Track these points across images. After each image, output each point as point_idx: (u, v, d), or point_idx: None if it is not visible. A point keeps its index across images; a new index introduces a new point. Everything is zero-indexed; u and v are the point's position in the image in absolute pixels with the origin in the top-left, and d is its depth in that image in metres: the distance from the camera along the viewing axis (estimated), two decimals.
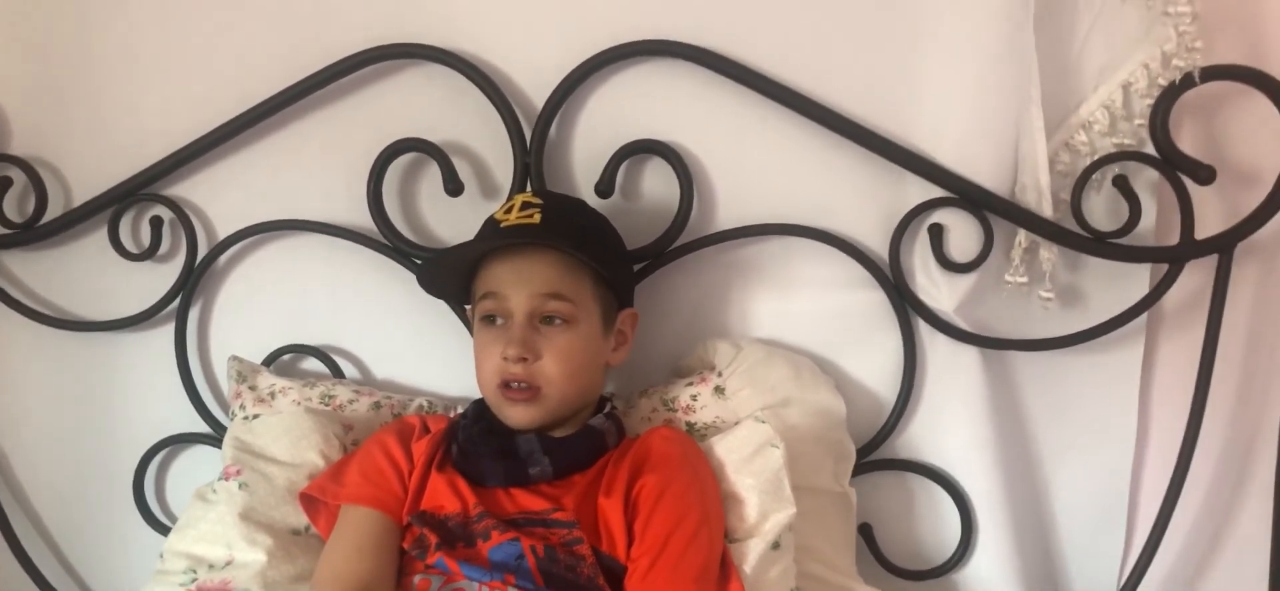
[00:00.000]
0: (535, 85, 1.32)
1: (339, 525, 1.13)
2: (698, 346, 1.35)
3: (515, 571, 1.03)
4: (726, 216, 1.35)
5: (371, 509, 1.12)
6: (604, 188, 1.31)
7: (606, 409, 1.20)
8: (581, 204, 1.25)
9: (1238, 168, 1.29)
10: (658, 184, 1.34)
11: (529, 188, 1.32)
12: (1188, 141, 1.27)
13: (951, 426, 1.37)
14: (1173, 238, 1.28)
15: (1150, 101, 1.25)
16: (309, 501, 1.18)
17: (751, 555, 1.10)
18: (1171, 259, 1.28)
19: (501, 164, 1.35)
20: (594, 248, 1.16)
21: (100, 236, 1.42)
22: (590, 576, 1.04)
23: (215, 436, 1.44)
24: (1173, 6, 1.21)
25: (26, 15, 1.38)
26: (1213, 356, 1.28)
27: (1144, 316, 1.32)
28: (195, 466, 1.47)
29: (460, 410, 1.28)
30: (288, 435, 1.26)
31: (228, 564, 1.16)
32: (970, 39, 1.26)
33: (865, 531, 1.38)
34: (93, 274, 1.45)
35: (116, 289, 1.44)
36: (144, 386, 1.47)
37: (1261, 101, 1.22)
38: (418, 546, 1.08)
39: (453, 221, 1.37)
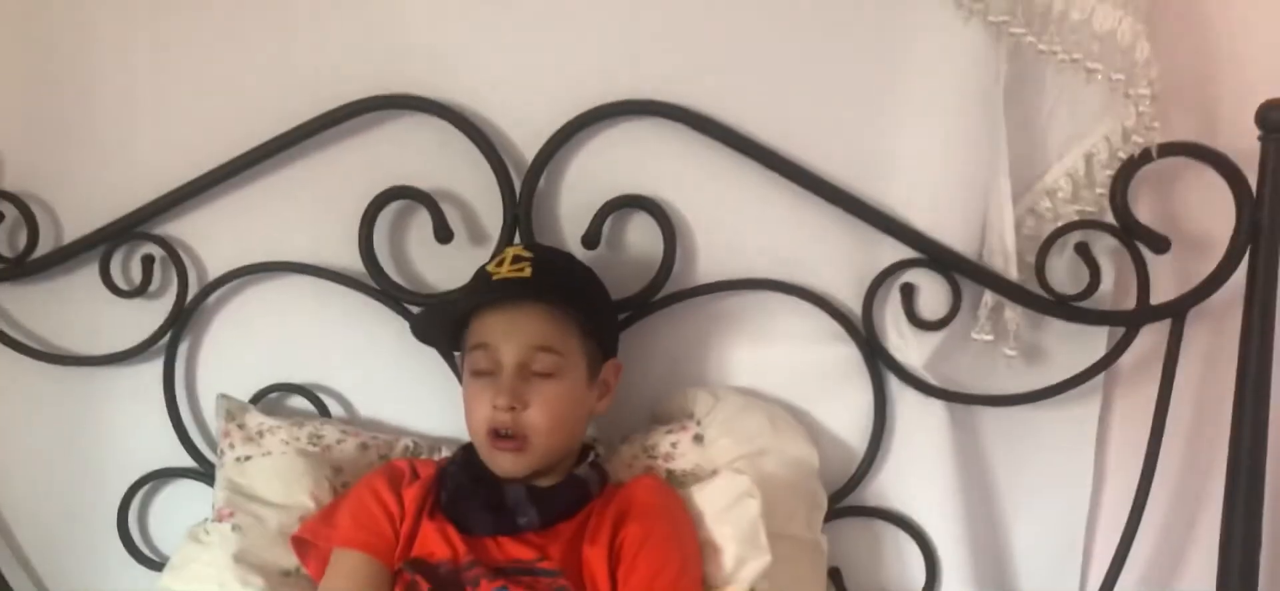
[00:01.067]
0: (526, 138, 1.36)
1: (331, 568, 1.16)
2: (677, 395, 1.39)
3: None
4: (707, 270, 1.39)
5: (363, 553, 1.15)
6: (590, 239, 1.35)
7: (590, 458, 1.24)
8: (570, 258, 1.29)
9: (1191, 237, 1.36)
10: (642, 237, 1.39)
11: (519, 239, 1.35)
12: (1145, 211, 1.34)
13: (918, 475, 1.42)
14: (1130, 302, 1.34)
15: (1111, 172, 1.31)
16: (300, 544, 1.21)
17: None
18: (1128, 322, 1.35)
19: (491, 213, 1.38)
20: (582, 302, 1.20)
21: (91, 272, 1.43)
22: None
23: (201, 471, 1.46)
24: (1133, 88, 1.27)
25: (23, 53, 1.40)
26: (1165, 414, 1.35)
27: (1102, 375, 1.39)
28: (179, 501, 1.49)
29: (446, 454, 1.31)
30: (279, 478, 1.28)
31: None
32: (943, 107, 1.32)
33: (835, 575, 1.43)
34: (83, 309, 1.46)
35: (106, 324, 1.45)
36: (131, 421, 1.48)
37: (1214, 177, 1.29)
38: None
39: (442, 267, 1.40)
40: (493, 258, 1.24)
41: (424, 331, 1.29)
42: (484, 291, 1.20)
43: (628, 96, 1.33)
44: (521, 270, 1.18)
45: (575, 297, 1.19)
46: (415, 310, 1.38)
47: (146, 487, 1.49)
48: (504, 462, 1.17)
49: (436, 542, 1.14)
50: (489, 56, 1.36)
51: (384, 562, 1.15)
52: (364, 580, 1.13)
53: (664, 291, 1.37)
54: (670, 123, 1.33)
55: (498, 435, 1.16)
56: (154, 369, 1.45)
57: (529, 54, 1.36)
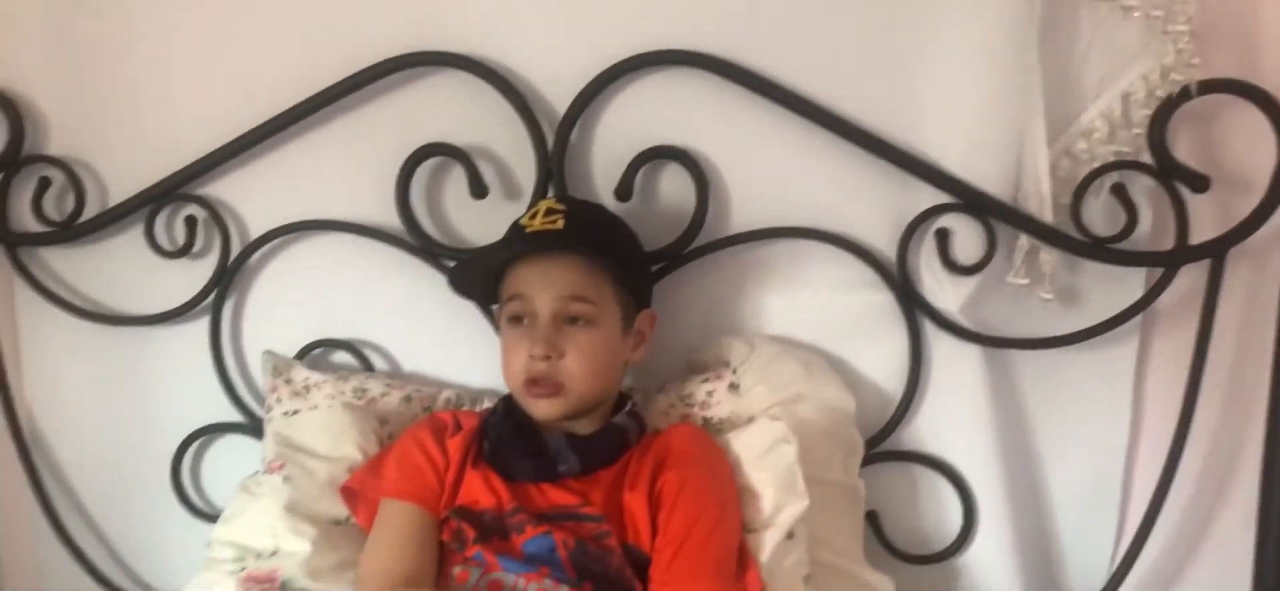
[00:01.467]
0: (557, 92, 1.37)
1: (380, 519, 1.19)
2: (712, 344, 1.41)
3: (548, 563, 1.09)
4: (740, 219, 1.40)
5: (411, 503, 1.18)
6: (623, 192, 1.37)
7: (628, 406, 1.26)
8: (602, 209, 1.30)
9: (1230, 176, 1.34)
10: (674, 188, 1.40)
11: (551, 193, 1.37)
12: (1183, 150, 1.33)
13: (955, 420, 1.43)
14: (1168, 242, 1.33)
15: (1148, 112, 1.30)
16: (349, 494, 1.24)
17: (767, 546, 1.16)
18: (1166, 263, 1.34)
19: (524, 168, 1.40)
20: (614, 252, 1.22)
21: (137, 234, 1.47)
22: (619, 567, 1.11)
23: (249, 426, 1.50)
24: (1172, 24, 1.26)
25: (66, 21, 1.42)
26: (1204, 356, 1.35)
27: (1139, 317, 1.38)
28: (230, 455, 1.53)
29: (488, 404, 1.34)
30: (327, 431, 1.32)
31: (274, 553, 1.22)
32: (976, 50, 1.31)
33: (872, 519, 1.45)
34: (130, 270, 1.50)
35: (153, 285, 1.49)
36: (180, 378, 1.52)
37: (1254, 113, 1.27)
38: (456, 539, 1.15)
39: (477, 222, 1.42)
40: (526, 211, 1.25)
41: (461, 284, 1.31)
42: (518, 244, 1.21)
43: (658, 47, 1.33)
44: (554, 222, 1.19)
45: (608, 248, 1.20)
46: (452, 265, 1.40)
47: (198, 443, 1.54)
48: (540, 407, 1.19)
49: (481, 490, 1.17)
50: (520, 11, 1.37)
51: (430, 512, 1.18)
52: (412, 529, 1.16)
53: (697, 242, 1.38)
54: (701, 72, 1.33)
55: (534, 383, 1.18)
56: (201, 327, 1.49)
57: (560, 8, 1.36)
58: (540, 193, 1.37)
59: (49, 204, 1.47)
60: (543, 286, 1.19)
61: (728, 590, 1.10)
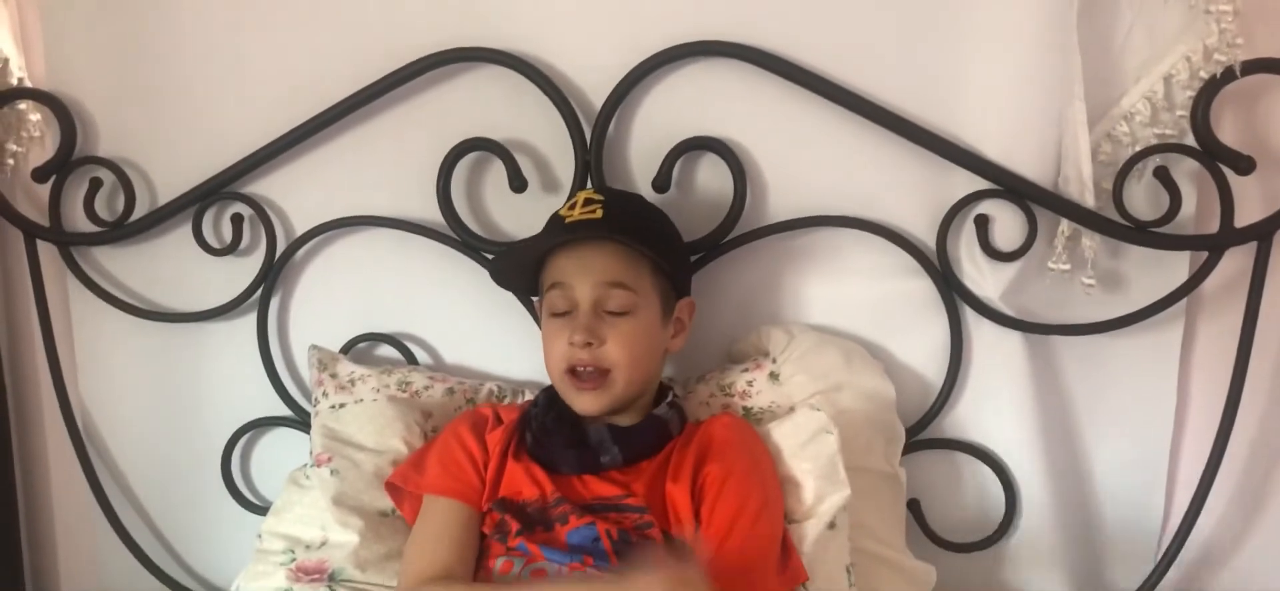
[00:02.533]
0: (594, 85, 1.38)
1: (422, 514, 1.21)
2: (752, 333, 1.42)
3: (592, 553, 1.10)
4: (778, 208, 1.40)
5: (452, 499, 1.19)
6: (661, 183, 1.37)
7: (669, 397, 1.27)
8: (641, 199, 1.31)
9: (1276, 156, 1.33)
10: (712, 178, 1.40)
11: (590, 184, 1.38)
12: (1228, 132, 1.31)
13: (996, 407, 1.42)
14: (1212, 225, 1.32)
15: (1191, 93, 1.29)
16: (393, 489, 1.26)
17: (809, 536, 1.17)
18: (1211, 246, 1.32)
19: (562, 161, 1.41)
20: (653, 240, 1.22)
21: (185, 232, 1.50)
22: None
23: (297, 419, 1.53)
24: (1215, 4, 1.25)
25: (114, 27, 1.46)
26: (1250, 340, 1.33)
27: (1183, 301, 1.37)
28: (278, 448, 1.56)
29: (529, 396, 1.35)
30: (372, 424, 1.34)
31: (323, 544, 1.24)
32: (1014, 33, 1.31)
33: (913, 507, 1.45)
34: (178, 268, 1.53)
35: (201, 282, 1.52)
36: (229, 373, 1.55)
37: None
38: (499, 531, 1.16)
39: (517, 215, 1.44)
40: (565, 202, 1.26)
41: (502, 276, 1.33)
42: (558, 233, 1.23)
43: (693, 38, 1.34)
44: (593, 212, 1.20)
45: (646, 236, 1.21)
46: (492, 257, 1.41)
47: (247, 436, 1.57)
48: (584, 401, 1.20)
49: (523, 482, 1.18)
50: (556, 5, 1.38)
51: (472, 506, 1.19)
52: (454, 524, 1.18)
53: (735, 231, 1.39)
54: (736, 62, 1.34)
55: (576, 374, 1.19)
56: (248, 323, 1.52)
57: (596, 2, 1.37)
58: (578, 185, 1.38)
59: (100, 204, 1.51)
60: (582, 274, 1.20)
61: (772, 581, 1.10)
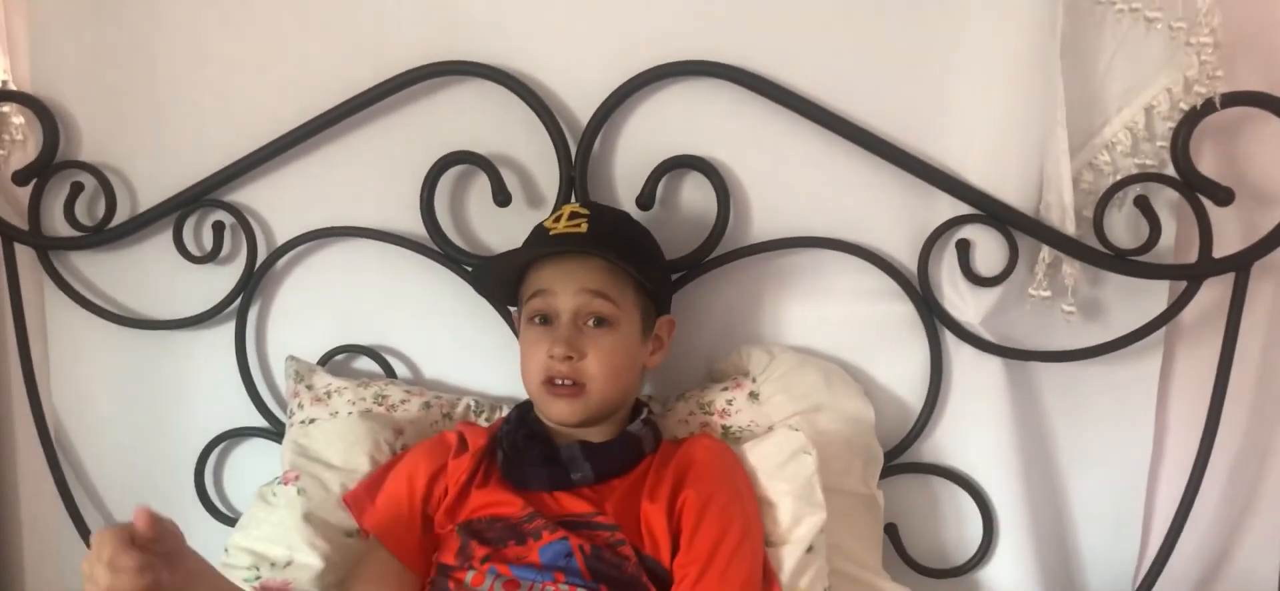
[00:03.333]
0: (580, 101, 1.39)
1: (366, 550, 1.22)
2: (733, 352, 1.41)
3: (564, 569, 1.09)
4: (761, 229, 1.40)
5: (384, 548, 1.19)
6: (645, 200, 1.37)
7: (643, 414, 1.26)
8: (625, 216, 1.31)
9: (1255, 189, 1.34)
10: (696, 197, 1.40)
11: (575, 199, 1.38)
12: (1208, 163, 1.32)
13: (975, 432, 1.42)
14: (1192, 255, 1.33)
15: (1172, 124, 1.30)
16: (351, 505, 1.25)
17: (788, 561, 1.16)
18: (1190, 276, 1.33)
19: (547, 176, 1.41)
20: (636, 256, 1.22)
21: (165, 239, 1.49)
22: (634, 575, 1.10)
23: (272, 431, 1.51)
24: (1196, 36, 1.26)
25: (98, 30, 1.46)
26: (1228, 370, 1.34)
27: (1163, 330, 1.37)
28: (253, 459, 1.55)
29: (505, 412, 1.34)
30: (341, 441, 1.32)
31: (288, 564, 1.22)
32: (999, 61, 1.32)
33: (891, 531, 1.44)
34: (158, 275, 1.52)
35: (180, 289, 1.51)
36: (205, 382, 1.54)
37: (1279, 126, 1.27)
38: (461, 556, 1.14)
39: (500, 229, 1.44)
40: (551, 214, 1.26)
41: (483, 285, 1.32)
42: (542, 245, 1.22)
43: (680, 58, 1.35)
44: (578, 226, 1.20)
45: (630, 251, 1.21)
46: (475, 265, 1.40)
47: (221, 446, 1.55)
48: (559, 409, 1.19)
49: (489, 505, 1.17)
50: (544, 21, 1.39)
51: (401, 558, 1.19)
52: (389, 573, 1.18)
53: (718, 251, 1.39)
54: (722, 82, 1.34)
55: (553, 383, 1.19)
56: (226, 332, 1.51)
57: (583, 18, 1.38)
58: (563, 200, 1.38)
59: (81, 209, 1.50)
60: (565, 284, 1.20)
61: None
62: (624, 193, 1.41)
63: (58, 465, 1.55)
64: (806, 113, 1.33)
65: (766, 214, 1.40)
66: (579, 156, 1.38)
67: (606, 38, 1.37)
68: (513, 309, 1.32)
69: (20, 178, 1.48)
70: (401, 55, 1.39)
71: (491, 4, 1.39)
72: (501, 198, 1.39)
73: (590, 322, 1.19)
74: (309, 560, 1.22)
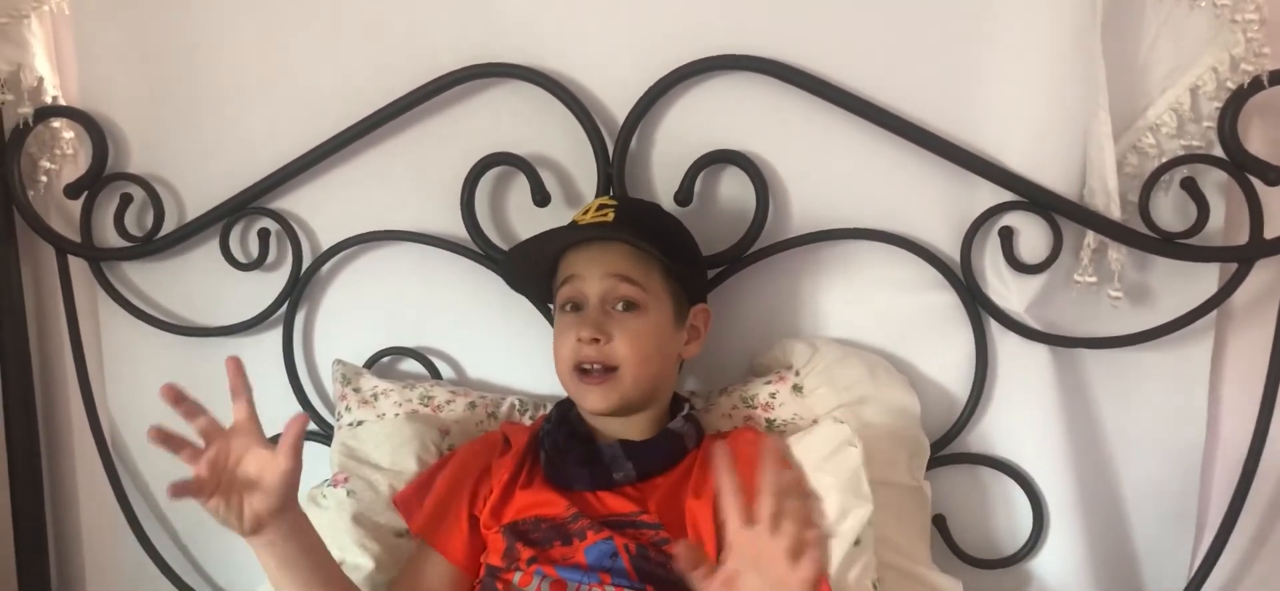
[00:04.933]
0: (616, 100, 1.39)
1: (413, 553, 1.23)
2: (775, 346, 1.41)
3: (610, 570, 1.09)
4: (801, 221, 1.40)
5: (434, 551, 1.20)
6: (683, 196, 1.38)
7: (685, 410, 1.26)
8: (655, 206, 1.32)
9: None
10: (734, 191, 1.40)
11: (609, 194, 1.38)
12: (1256, 142, 1.30)
13: (1022, 422, 1.41)
14: (1241, 237, 1.30)
15: (1218, 104, 1.28)
16: (400, 506, 1.26)
17: (836, 554, 1.15)
18: (1240, 258, 1.30)
19: (585, 175, 1.42)
20: (663, 240, 1.22)
21: (212, 248, 1.52)
22: (680, 574, 1.10)
23: (321, 434, 1.53)
24: (1241, 13, 1.24)
25: (145, 45, 1.49)
26: None
27: (1213, 314, 1.35)
28: (305, 464, 1.55)
29: (544, 412, 1.35)
30: (389, 442, 1.34)
31: (340, 564, 1.23)
32: (1038, 45, 1.30)
33: (939, 522, 1.43)
34: (205, 282, 1.55)
35: (227, 296, 1.54)
36: (255, 386, 1.54)
37: None
38: (508, 558, 1.14)
39: (540, 229, 1.40)
40: (581, 209, 1.27)
41: (514, 276, 1.34)
42: (568, 232, 1.24)
43: (715, 52, 1.34)
44: (605, 215, 1.22)
45: (657, 236, 1.21)
46: (502, 255, 1.41)
47: None
48: (592, 398, 1.20)
49: (534, 506, 1.18)
50: (578, 20, 1.39)
51: (452, 561, 1.19)
52: (436, 577, 1.19)
53: (758, 244, 1.38)
54: (758, 76, 1.34)
55: (583, 370, 1.19)
56: (274, 337, 1.53)
57: (617, 16, 1.38)
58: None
59: (130, 220, 1.53)
60: (591, 268, 1.21)
61: None
62: (662, 189, 1.41)
63: (115, 472, 1.58)
64: (844, 103, 1.33)
65: (806, 206, 1.40)
66: (616, 154, 1.38)
67: (641, 35, 1.37)
68: (552, 306, 1.33)
69: (71, 191, 1.51)
70: (438, 60, 1.40)
71: (526, 5, 1.40)
72: (540, 198, 1.40)
73: (618, 307, 1.20)
74: (360, 560, 1.24)
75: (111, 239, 1.54)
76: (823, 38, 1.34)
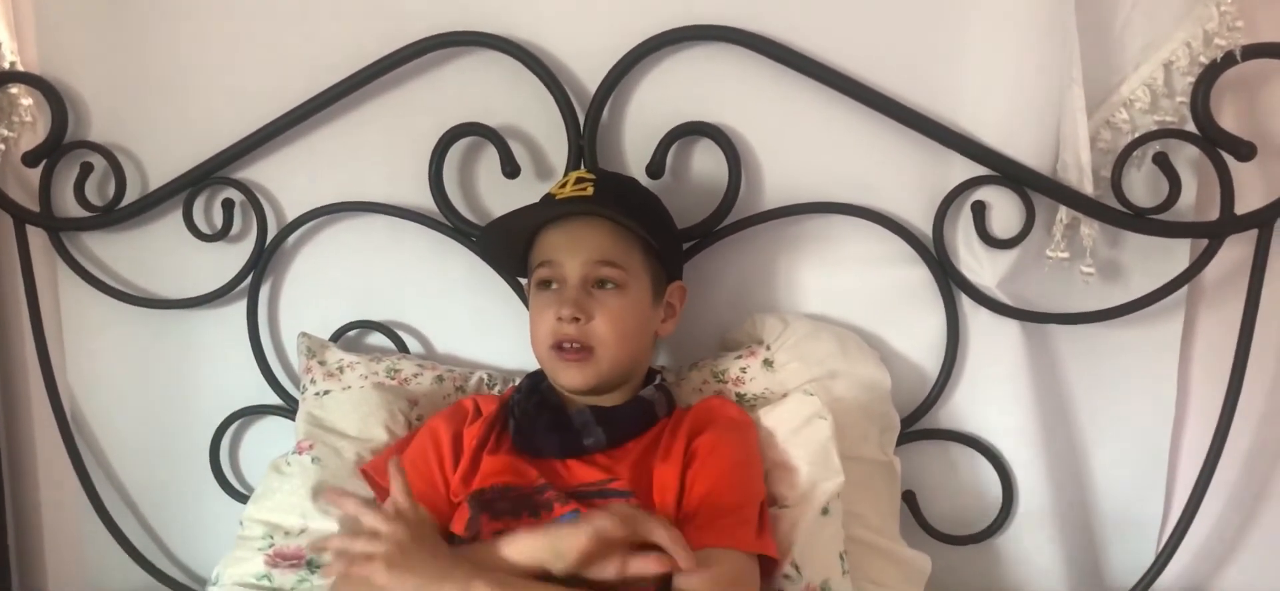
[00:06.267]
0: (588, 70, 1.37)
1: None
2: (746, 321, 1.40)
3: None
4: (774, 195, 1.39)
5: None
6: (655, 168, 1.36)
7: (656, 380, 1.25)
8: (633, 181, 1.30)
9: (1278, 143, 1.31)
10: (707, 164, 1.39)
11: (583, 167, 1.36)
12: (1228, 118, 1.30)
13: (993, 397, 1.40)
14: (1213, 213, 1.30)
15: (1191, 79, 1.28)
16: (369, 478, 1.24)
17: (802, 522, 1.14)
18: (1211, 234, 1.30)
19: (556, 146, 1.40)
20: (643, 219, 1.21)
21: (175, 218, 1.49)
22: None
23: (286, 408, 1.51)
24: None
25: (106, 10, 1.45)
26: (1252, 329, 1.31)
27: (1184, 290, 1.35)
28: (268, 437, 1.55)
29: (515, 384, 1.33)
30: (356, 411, 1.32)
31: (303, 532, 1.23)
32: (1012, 19, 1.29)
33: (909, 498, 1.43)
34: (169, 254, 1.52)
35: (191, 268, 1.51)
36: (218, 360, 1.54)
37: None
38: (472, 528, 1.12)
39: (510, 202, 1.39)
40: (557, 182, 1.25)
41: (489, 251, 1.32)
42: (547, 208, 1.21)
43: (688, 22, 1.33)
44: (584, 189, 1.19)
45: (637, 214, 1.20)
46: (480, 230, 1.39)
47: (236, 424, 1.55)
48: (570, 375, 1.18)
49: (501, 474, 1.16)
50: None
51: (435, 514, 1.17)
52: None
53: (730, 218, 1.37)
54: (732, 47, 1.33)
55: (562, 348, 1.18)
56: (238, 310, 1.51)
57: None
58: (572, 170, 1.37)
59: (91, 189, 1.50)
60: (571, 250, 1.19)
61: (746, 541, 1.07)
62: (634, 161, 1.40)
63: (74, 445, 1.55)
64: (818, 75, 1.31)
65: (779, 180, 1.39)
66: (588, 125, 1.36)
67: (613, 4, 1.36)
68: (523, 280, 1.31)
69: (30, 159, 1.47)
70: (407, 28, 1.38)
71: None
72: (510, 169, 1.38)
73: (598, 285, 1.18)
74: (323, 526, 1.22)
75: (71, 209, 1.50)
76: (797, 9, 1.33)
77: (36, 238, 1.52)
